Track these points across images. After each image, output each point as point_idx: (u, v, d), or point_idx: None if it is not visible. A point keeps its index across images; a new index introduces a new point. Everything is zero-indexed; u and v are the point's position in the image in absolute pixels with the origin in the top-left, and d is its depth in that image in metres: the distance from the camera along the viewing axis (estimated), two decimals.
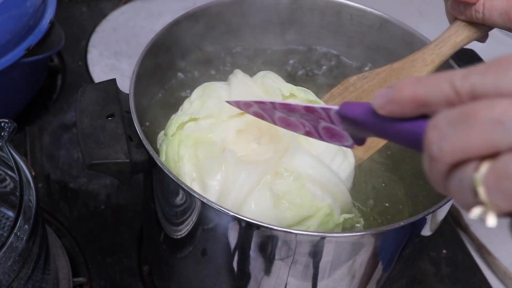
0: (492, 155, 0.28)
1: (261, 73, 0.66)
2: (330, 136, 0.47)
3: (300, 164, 0.58)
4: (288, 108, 0.50)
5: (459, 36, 0.63)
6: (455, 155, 0.29)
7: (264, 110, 0.52)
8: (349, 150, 0.62)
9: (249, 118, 0.61)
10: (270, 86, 0.63)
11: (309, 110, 0.47)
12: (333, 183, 0.59)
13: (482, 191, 0.27)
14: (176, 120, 0.61)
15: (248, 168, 0.57)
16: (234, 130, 0.61)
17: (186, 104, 0.64)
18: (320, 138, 0.48)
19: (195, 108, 0.62)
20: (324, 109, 0.45)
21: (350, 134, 0.45)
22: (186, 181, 0.56)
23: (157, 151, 0.62)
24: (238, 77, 0.65)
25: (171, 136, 0.60)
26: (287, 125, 0.51)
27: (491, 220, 0.28)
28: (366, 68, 0.76)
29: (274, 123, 0.52)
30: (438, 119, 0.30)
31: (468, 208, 0.29)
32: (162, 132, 0.63)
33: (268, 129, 0.61)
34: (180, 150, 0.59)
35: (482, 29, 0.63)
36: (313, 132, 0.49)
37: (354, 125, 0.43)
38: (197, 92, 0.64)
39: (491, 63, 0.30)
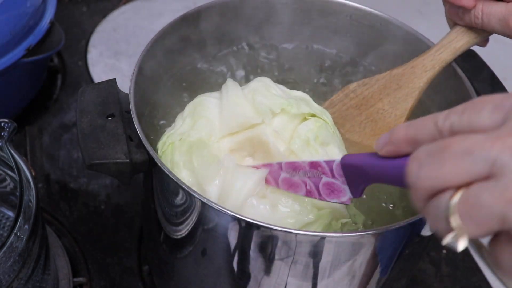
0: (466, 184, 0.30)
1: (253, 84, 0.64)
2: (330, 192, 0.52)
3: None
4: (293, 167, 0.55)
5: (459, 41, 0.63)
6: (431, 182, 0.32)
7: (270, 173, 0.57)
8: None
9: (241, 137, 0.61)
10: (261, 104, 0.62)
11: (313, 166, 0.53)
12: (325, 203, 0.58)
13: (454, 218, 0.30)
14: (167, 138, 0.61)
15: (246, 173, 0.57)
16: (227, 150, 0.61)
17: (178, 121, 0.63)
18: (319, 196, 0.53)
19: (185, 128, 0.62)
20: (327, 162, 0.51)
21: (349, 186, 0.50)
22: None
23: (157, 152, 0.62)
24: (229, 94, 0.63)
25: (163, 151, 0.60)
26: (290, 186, 0.56)
27: (462, 244, 0.30)
28: (363, 68, 0.76)
29: (277, 185, 0.57)
30: (419, 151, 0.33)
31: (442, 233, 0.31)
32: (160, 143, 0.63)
33: (260, 146, 0.61)
34: (174, 157, 0.59)
35: (482, 34, 0.63)
36: (314, 191, 0.53)
37: (354, 173, 0.48)
38: (188, 108, 0.64)
39: (468, 104, 0.34)
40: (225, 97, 0.63)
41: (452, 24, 0.64)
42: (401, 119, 0.66)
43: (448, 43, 0.64)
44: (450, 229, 0.30)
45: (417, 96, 0.65)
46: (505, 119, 0.31)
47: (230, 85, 0.64)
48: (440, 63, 0.64)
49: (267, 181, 0.57)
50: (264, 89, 0.63)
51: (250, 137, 0.61)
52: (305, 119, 0.62)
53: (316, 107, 0.64)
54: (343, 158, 0.49)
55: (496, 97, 0.33)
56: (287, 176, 0.55)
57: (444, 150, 0.31)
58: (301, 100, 0.64)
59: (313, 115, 0.62)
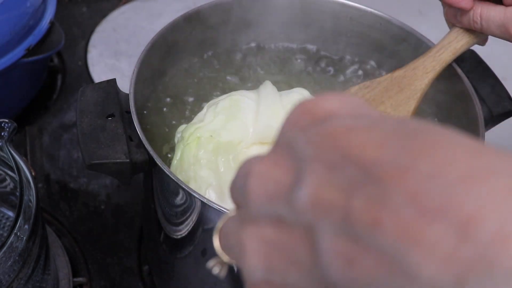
0: None
1: (292, 96, 0.64)
2: None
3: None
4: None
5: (459, 42, 0.64)
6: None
7: None
8: None
9: (267, 149, 0.61)
10: None
11: None
12: None
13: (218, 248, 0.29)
14: (195, 131, 0.60)
15: None
16: None
17: (209, 114, 0.62)
18: None
19: (217, 125, 0.61)
20: None
21: None
22: (200, 186, 0.56)
23: (160, 150, 0.62)
24: (268, 102, 0.63)
25: (187, 140, 0.59)
26: None
27: (223, 272, 0.31)
28: (363, 69, 0.76)
29: None
30: None
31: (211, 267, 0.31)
32: (182, 126, 0.62)
33: None
34: (198, 153, 0.58)
35: (482, 34, 0.63)
36: None
37: None
38: (224, 103, 0.63)
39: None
40: (263, 104, 0.63)
41: (452, 24, 0.64)
42: None
43: (448, 43, 0.64)
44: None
45: (419, 98, 0.65)
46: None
47: (269, 91, 0.64)
48: (440, 64, 0.64)
49: None
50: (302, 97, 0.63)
51: None
52: None
53: None
54: None
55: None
56: None
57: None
58: None
59: None
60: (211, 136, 0.59)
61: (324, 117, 0.24)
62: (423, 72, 0.65)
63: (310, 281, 0.22)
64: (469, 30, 0.63)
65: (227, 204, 0.55)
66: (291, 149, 0.24)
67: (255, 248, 0.24)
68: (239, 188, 0.26)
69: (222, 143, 0.59)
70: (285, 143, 0.25)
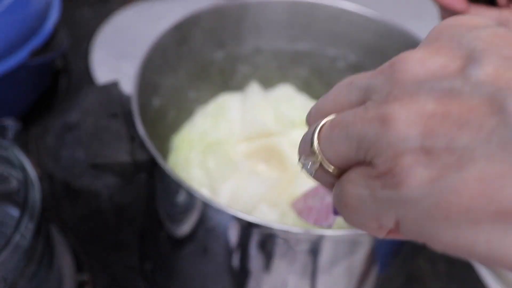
0: None
1: (277, 92, 0.64)
2: (325, 216, 0.49)
3: None
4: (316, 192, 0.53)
5: None
6: (313, 113, 0.30)
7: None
8: None
9: (258, 144, 0.62)
10: (283, 115, 0.62)
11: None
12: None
13: (315, 141, 0.27)
14: (186, 133, 0.61)
15: (258, 179, 0.58)
16: (243, 154, 0.61)
17: (199, 118, 0.63)
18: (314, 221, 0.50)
19: (206, 127, 0.62)
20: None
21: None
22: (194, 186, 0.57)
23: (162, 150, 0.63)
24: (253, 99, 0.63)
25: (179, 145, 0.60)
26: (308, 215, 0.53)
27: (313, 168, 0.28)
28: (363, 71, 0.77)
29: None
30: None
31: (300, 155, 0.29)
32: (179, 138, 0.63)
33: (276, 155, 0.61)
34: (189, 154, 0.59)
35: None
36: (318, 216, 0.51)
37: None
38: (211, 106, 0.64)
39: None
40: (249, 102, 0.63)
41: None
42: None
43: None
44: (309, 152, 0.28)
45: None
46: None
47: (255, 90, 0.65)
48: None
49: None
50: (288, 99, 0.64)
51: (267, 145, 0.62)
52: None
53: None
54: None
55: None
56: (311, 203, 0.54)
57: (334, 87, 0.29)
58: None
59: None
60: (201, 138, 0.60)
61: (483, 24, 0.25)
62: None
63: (486, 141, 0.22)
64: None
65: (221, 201, 0.56)
66: (454, 42, 0.25)
67: (407, 118, 0.23)
68: (380, 75, 0.26)
69: (212, 143, 0.59)
70: (445, 38, 0.25)
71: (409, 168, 0.23)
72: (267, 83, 0.73)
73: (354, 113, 0.26)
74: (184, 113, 0.71)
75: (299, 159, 0.29)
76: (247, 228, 0.53)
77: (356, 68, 0.77)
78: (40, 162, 0.87)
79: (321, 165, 0.27)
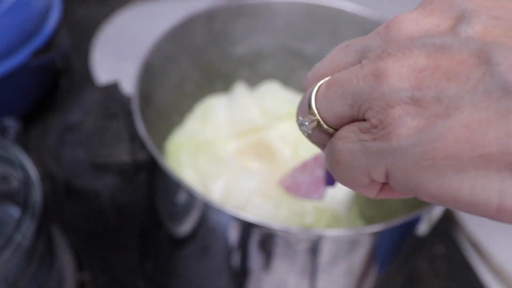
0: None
1: (262, 89, 0.65)
2: (316, 189, 0.49)
3: None
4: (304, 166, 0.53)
5: None
6: (310, 77, 0.31)
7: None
8: None
9: (247, 141, 0.62)
10: (268, 109, 0.62)
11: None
12: (327, 207, 0.59)
13: (312, 101, 0.28)
14: (177, 137, 0.61)
15: (250, 172, 0.58)
16: (233, 152, 0.62)
17: (188, 121, 0.64)
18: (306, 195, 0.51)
19: (195, 129, 0.62)
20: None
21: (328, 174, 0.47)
22: None
23: (162, 150, 0.63)
24: (238, 97, 0.64)
25: (171, 150, 0.61)
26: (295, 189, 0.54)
27: (310, 127, 0.28)
28: None
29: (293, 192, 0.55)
30: None
31: (297, 115, 0.30)
32: (170, 143, 0.63)
33: (266, 150, 0.61)
34: (180, 157, 0.59)
35: None
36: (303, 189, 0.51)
37: None
38: (198, 109, 0.64)
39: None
40: (234, 100, 0.64)
41: None
42: None
43: None
44: (307, 111, 0.29)
45: None
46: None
47: (240, 89, 0.65)
48: None
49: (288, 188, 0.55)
50: (273, 93, 0.64)
51: (256, 141, 0.62)
52: None
53: None
54: None
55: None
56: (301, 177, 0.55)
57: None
58: None
59: None
60: (190, 140, 0.61)
61: None
62: None
63: (473, 90, 0.23)
64: None
65: (213, 197, 0.56)
66: (447, 5, 0.26)
67: (399, 72, 0.25)
68: (376, 36, 0.27)
69: (200, 143, 0.60)
70: (438, 1, 0.26)
71: (399, 118, 0.24)
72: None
73: (350, 71, 0.27)
74: (185, 113, 0.71)
75: (296, 120, 0.29)
76: (247, 228, 0.53)
77: None
78: (41, 162, 0.87)
79: (318, 124, 0.28)
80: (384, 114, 0.24)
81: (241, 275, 0.58)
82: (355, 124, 0.26)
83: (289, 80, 0.77)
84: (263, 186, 0.58)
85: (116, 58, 1.04)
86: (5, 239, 0.53)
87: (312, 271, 0.56)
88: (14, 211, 0.69)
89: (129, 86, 0.61)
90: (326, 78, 0.28)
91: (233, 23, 0.74)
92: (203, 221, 0.56)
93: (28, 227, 0.55)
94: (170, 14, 1.13)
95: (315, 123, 0.28)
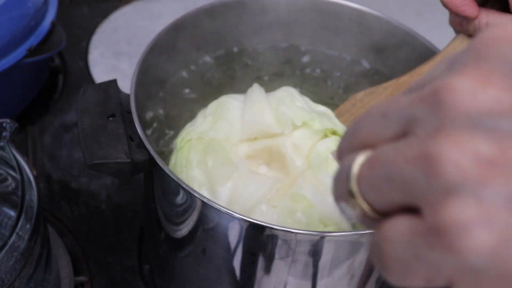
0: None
1: (278, 93, 0.64)
2: None
3: (308, 195, 0.58)
4: None
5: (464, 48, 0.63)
6: (345, 145, 0.27)
7: None
8: None
9: (259, 145, 0.61)
10: (283, 115, 0.61)
11: None
12: (333, 222, 0.58)
13: (353, 181, 0.24)
14: (186, 135, 0.61)
15: (258, 179, 0.57)
16: (244, 155, 0.61)
17: (200, 118, 0.63)
18: None
19: (205, 127, 0.61)
20: None
21: None
22: (193, 186, 0.57)
23: (159, 152, 0.63)
24: (254, 99, 0.63)
25: (180, 146, 0.60)
26: None
27: (354, 214, 0.25)
28: (361, 71, 0.76)
29: None
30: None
31: (338, 199, 0.26)
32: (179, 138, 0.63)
33: (277, 157, 0.61)
34: (189, 155, 0.59)
35: None
36: None
37: None
38: (211, 107, 0.64)
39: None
40: (249, 102, 0.63)
41: (458, 31, 0.64)
42: None
43: (453, 49, 0.63)
44: (347, 195, 0.25)
45: None
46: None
47: (256, 90, 0.64)
48: None
49: None
50: (289, 100, 0.63)
51: (268, 146, 0.61)
52: (326, 136, 0.62)
53: (337, 124, 0.64)
54: None
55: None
56: None
57: (363, 115, 0.26)
58: (324, 115, 0.64)
59: (334, 132, 0.62)
60: (200, 137, 0.60)
61: None
62: None
63: None
64: (474, 36, 0.62)
65: (220, 200, 0.56)
66: (505, 67, 0.22)
67: (458, 160, 0.20)
68: (422, 104, 0.22)
69: (210, 143, 0.59)
70: (494, 59, 0.22)
71: (464, 227, 0.20)
72: (268, 86, 0.73)
73: (395, 150, 0.23)
74: (184, 112, 0.71)
75: (336, 202, 0.26)
76: (247, 229, 0.53)
77: (355, 67, 0.77)
78: (38, 162, 0.87)
79: (363, 211, 0.24)
80: (443, 216, 0.20)
81: (241, 277, 0.58)
82: (406, 220, 0.22)
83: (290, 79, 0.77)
84: (271, 194, 0.57)
85: (113, 56, 1.04)
86: (1, 240, 0.53)
87: (313, 273, 0.56)
88: (10, 212, 0.68)
89: (126, 84, 0.61)
90: (366, 154, 0.24)
91: (232, 20, 0.74)
92: (202, 221, 0.55)
93: (24, 228, 0.54)
94: (168, 13, 1.12)
95: (359, 211, 0.24)
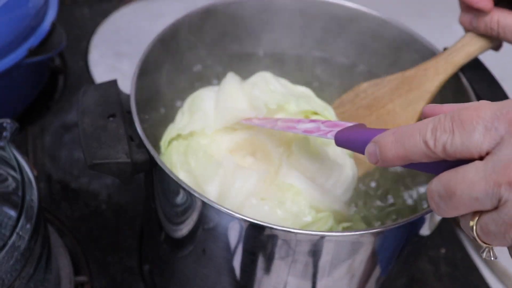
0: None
1: (253, 79, 0.64)
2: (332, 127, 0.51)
3: (294, 182, 0.58)
4: (287, 127, 0.55)
5: (473, 46, 0.63)
6: (449, 214, 0.39)
7: (267, 123, 0.57)
8: (347, 163, 0.61)
9: (240, 137, 0.61)
10: (256, 99, 0.61)
11: (307, 131, 0.52)
12: (325, 205, 0.58)
13: (477, 238, 0.38)
14: (167, 134, 0.61)
15: (245, 173, 0.57)
16: (227, 150, 0.61)
17: (179, 116, 0.64)
18: (320, 132, 0.52)
19: (183, 122, 0.62)
20: (320, 134, 0.51)
21: None
22: None
23: (158, 152, 0.63)
24: (226, 87, 0.63)
25: (165, 149, 0.60)
26: (287, 128, 0.54)
27: (493, 255, 0.40)
28: (362, 71, 0.77)
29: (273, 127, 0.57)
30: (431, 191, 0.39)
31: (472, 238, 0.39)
32: (162, 140, 0.63)
33: (260, 146, 0.61)
34: (172, 158, 0.59)
35: (496, 40, 0.62)
36: (312, 130, 0.53)
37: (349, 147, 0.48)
38: (187, 102, 0.64)
39: (455, 120, 0.37)
40: (222, 90, 0.63)
41: (467, 30, 0.64)
42: (411, 121, 0.65)
43: (461, 46, 0.64)
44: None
45: (429, 99, 0.65)
46: (497, 144, 0.36)
47: (229, 78, 0.64)
48: (452, 66, 0.64)
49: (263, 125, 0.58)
50: (263, 83, 0.63)
51: (249, 137, 0.61)
52: (307, 117, 0.62)
53: (318, 104, 0.63)
54: (337, 140, 0.49)
55: (485, 115, 0.36)
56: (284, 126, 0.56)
57: (451, 196, 0.37)
58: (302, 96, 0.63)
59: (315, 113, 0.62)
60: (179, 134, 0.60)
61: None
62: (434, 74, 0.64)
63: None
64: (484, 34, 0.62)
65: (209, 195, 0.56)
66: None
67: None
68: (501, 184, 0.35)
69: (190, 143, 0.59)
70: None
71: None
72: None
73: (496, 222, 0.36)
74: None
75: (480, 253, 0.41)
76: (247, 229, 0.53)
77: (354, 66, 0.77)
78: (38, 162, 0.87)
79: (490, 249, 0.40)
80: None
81: (241, 277, 0.58)
82: None
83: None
84: (260, 186, 0.57)
85: (113, 56, 1.04)
86: (1, 240, 0.53)
87: (313, 273, 0.56)
88: (11, 212, 0.68)
89: (127, 84, 0.61)
90: (475, 220, 0.38)
91: (230, 23, 0.74)
92: (202, 221, 0.55)
93: (25, 228, 0.54)
94: (168, 13, 1.12)
95: (491, 252, 0.40)
